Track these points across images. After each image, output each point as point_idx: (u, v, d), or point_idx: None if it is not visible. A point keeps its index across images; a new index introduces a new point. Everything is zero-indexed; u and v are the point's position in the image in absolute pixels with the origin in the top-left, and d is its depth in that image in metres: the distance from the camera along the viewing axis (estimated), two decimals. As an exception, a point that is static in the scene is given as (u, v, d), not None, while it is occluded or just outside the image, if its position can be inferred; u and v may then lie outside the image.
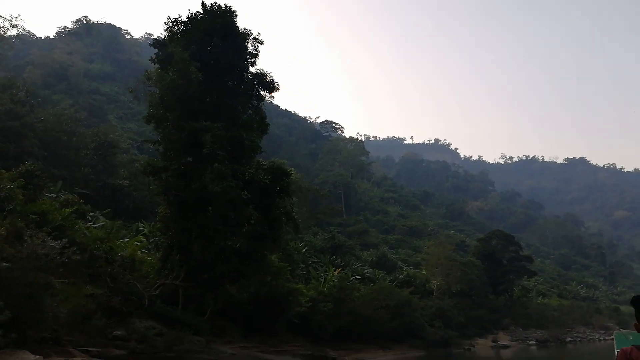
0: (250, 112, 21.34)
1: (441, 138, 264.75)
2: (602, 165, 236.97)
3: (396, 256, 60.68)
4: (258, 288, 21.65)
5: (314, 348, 23.87)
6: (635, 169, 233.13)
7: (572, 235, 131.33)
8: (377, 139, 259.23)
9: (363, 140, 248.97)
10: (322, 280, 34.21)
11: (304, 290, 25.62)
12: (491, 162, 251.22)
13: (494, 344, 42.83)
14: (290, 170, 19.97)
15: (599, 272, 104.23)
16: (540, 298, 57.23)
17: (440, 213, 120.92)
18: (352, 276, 42.03)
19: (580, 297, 64.94)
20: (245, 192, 18.15)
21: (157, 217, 18.83)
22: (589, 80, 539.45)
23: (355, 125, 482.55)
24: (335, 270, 43.13)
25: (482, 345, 42.48)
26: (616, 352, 3.44)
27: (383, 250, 58.09)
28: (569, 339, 45.76)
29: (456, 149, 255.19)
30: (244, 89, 20.61)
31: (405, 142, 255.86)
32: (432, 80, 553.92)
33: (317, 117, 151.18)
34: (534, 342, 44.18)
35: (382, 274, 46.23)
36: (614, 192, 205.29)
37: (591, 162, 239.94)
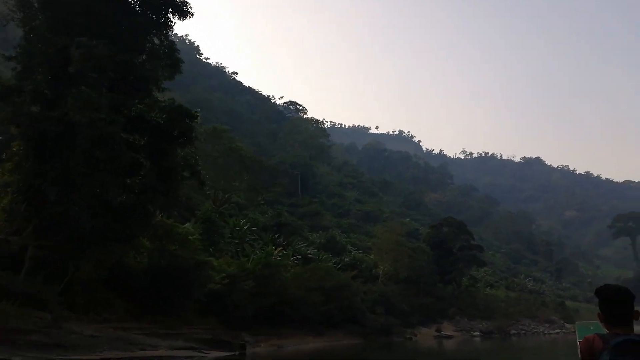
0: (156, 40, 17.03)
1: (405, 130, 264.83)
2: (556, 166, 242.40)
3: (346, 239, 57.65)
4: (158, 257, 17.71)
5: (226, 332, 20.18)
6: (587, 172, 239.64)
7: (523, 231, 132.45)
8: (343, 126, 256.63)
9: (328, 126, 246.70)
10: (254, 257, 30.52)
11: (220, 265, 21.76)
12: (452, 156, 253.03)
13: (438, 334, 40.42)
14: (196, 113, 16.20)
15: (547, 267, 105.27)
16: (488, 289, 55.52)
17: (398, 202, 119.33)
18: (293, 256, 38.65)
19: (527, 290, 63.93)
20: (138, 137, 14.09)
21: (5, 153, 14.44)
22: (549, 84, 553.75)
23: (322, 111, 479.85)
24: (275, 249, 39.66)
25: (425, 334, 39.99)
26: (578, 342, 2.77)
27: (332, 232, 54.89)
28: (513, 331, 43.93)
29: (419, 141, 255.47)
30: (146, 8, 16.27)
31: (370, 131, 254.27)
32: (401, 73, 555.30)
33: (281, 97, 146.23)
34: (478, 333, 42.07)
35: (325, 256, 42.94)
36: (565, 193, 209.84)
37: (546, 162, 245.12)
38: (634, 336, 2.46)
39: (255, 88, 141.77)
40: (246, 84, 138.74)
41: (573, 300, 78.45)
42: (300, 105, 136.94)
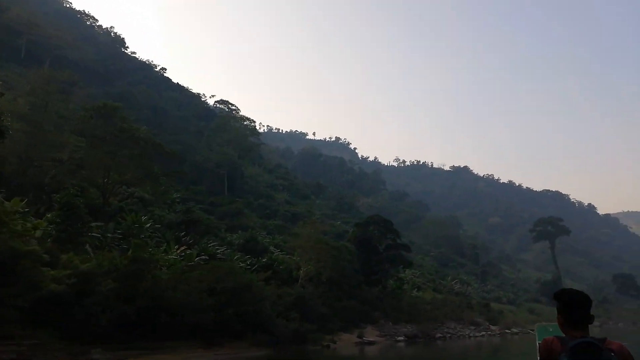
0: None
1: (342, 137, 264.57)
2: (482, 175, 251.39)
3: (268, 240, 52.89)
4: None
5: (66, 347, 14.82)
6: (510, 181, 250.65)
7: (451, 235, 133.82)
8: (280, 131, 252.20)
9: (265, 130, 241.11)
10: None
11: (71, 259, 16.35)
12: (386, 164, 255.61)
13: (359, 340, 36.54)
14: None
15: (473, 270, 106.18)
16: (415, 291, 52.81)
17: (331, 205, 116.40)
18: (198, 256, 33.41)
19: (454, 292, 62.19)
20: None
21: None
22: (478, 97, 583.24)
23: (258, 115, 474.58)
24: (178, 248, 34.29)
25: (346, 341, 35.97)
26: (537, 344, 2.90)
27: (252, 232, 49.91)
28: (439, 334, 41.05)
29: (355, 148, 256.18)
30: None
31: (307, 137, 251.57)
32: (340, 82, 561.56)
33: (213, 96, 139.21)
34: (402, 338, 38.69)
35: (238, 256, 37.95)
36: (490, 200, 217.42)
37: (473, 171, 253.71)
38: (590, 338, 2.50)
39: (186, 85, 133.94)
40: (176, 81, 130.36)
41: (497, 302, 78.40)
42: (232, 104, 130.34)
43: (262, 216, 73.46)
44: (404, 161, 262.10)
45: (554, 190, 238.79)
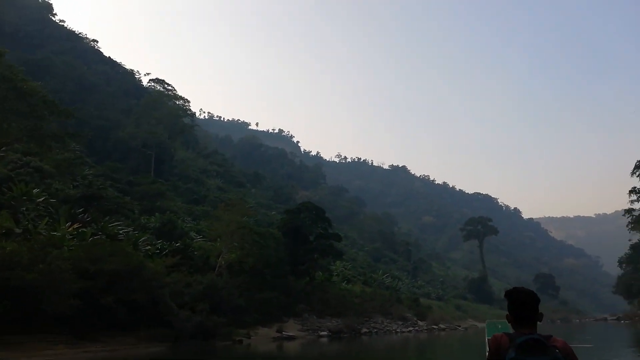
0: None
1: (285, 129, 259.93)
2: (418, 175, 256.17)
3: (189, 226, 47.96)
4: None
5: None
6: (444, 182, 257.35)
7: (386, 231, 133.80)
8: (222, 119, 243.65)
9: (205, 117, 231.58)
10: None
11: None
12: (328, 159, 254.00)
13: (278, 335, 32.86)
14: None
15: (404, 266, 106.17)
16: (344, 284, 49.89)
17: (268, 195, 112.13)
18: (95, 235, 28.18)
19: (384, 287, 60.09)
20: None
21: None
22: (416, 102, 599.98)
23: (200, 102, 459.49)
24: (71, 225, 28.88)
25: (263, 336, 32.17)
26: (487, 339, 3.57)
27: (171, 216, 44.76)
28: (365, 329, 38.22)
29: (298, 142, 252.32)
30: None
31: (249, 127, 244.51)
32: (290, 75, 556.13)
33: (147, 74, 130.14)
34: (326, 333, 35.44)
35: (145, 238, 32.97)
36: (425, 200, 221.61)
37: (411, 171, 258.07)
38: (537, 335, 2.57)
39: (119, 61, 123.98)
40: (108, 54, 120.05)
41: (426, 297, 77.83)
42: (168, 84, 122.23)
43: (189, 201, 67.97)
44: (345, 157, 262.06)
45: (484, 193, 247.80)
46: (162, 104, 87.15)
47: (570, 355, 2.57)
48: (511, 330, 2.76)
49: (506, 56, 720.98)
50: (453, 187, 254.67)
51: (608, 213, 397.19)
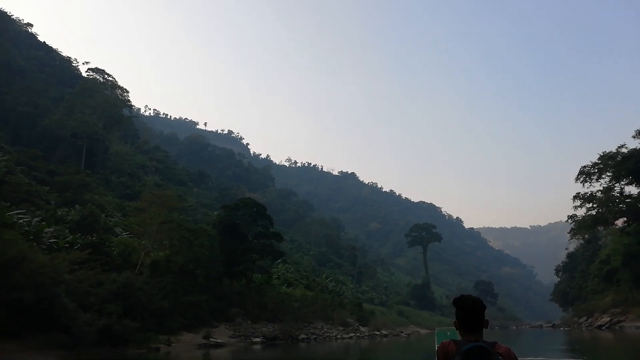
0: None
1: (235, 130, 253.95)
2: (367, 183, 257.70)
3: (114, 220, 43.29)
4: None
5: None
6: (391, 190, 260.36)
7: (332, 235, 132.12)
8: (168, 117, 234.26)
9: (151, 114, 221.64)
10: None
11: None
12: (277, 163, 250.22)
13: (205, 342, 29.29)
14: None
15: (350, 271, 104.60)
16: (285, 287, 46.81)
17: (212, 195, 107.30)
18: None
19: (327, 291, 57.53)
20: None
21: None
22: (368, 110, 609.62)
23: (146, 98, 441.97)
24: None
25: (187, 342, 28.50)
26: (436, 347, 3.14)
27: (92, 208, 39.94)
28: (303, 336, 35.28)
29: (247, 144, 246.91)
30: None
31: (197, 126, 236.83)
32: (242, 75, 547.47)
33: (86, 62, 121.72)
34: (259, 339, 32.21)
35: (52, 229, 28.49)
36: (372, 207, 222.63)
37: (359, 178, 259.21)
38: (482, 342, 2.61)
39: (55, 47, 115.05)
40: (43, 39, 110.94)
41: (370, 302, 76.22)
42: (109, 75, 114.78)
43: (121, 196, 62.57)
44: (295, 162, 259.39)
45: (428, 202, 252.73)
46: (98, 92, 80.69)
47: None
48: (459, 337, 2.75)
49: (458, 66, 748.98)
50: (399, 195, 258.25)
51: (542, 225, 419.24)
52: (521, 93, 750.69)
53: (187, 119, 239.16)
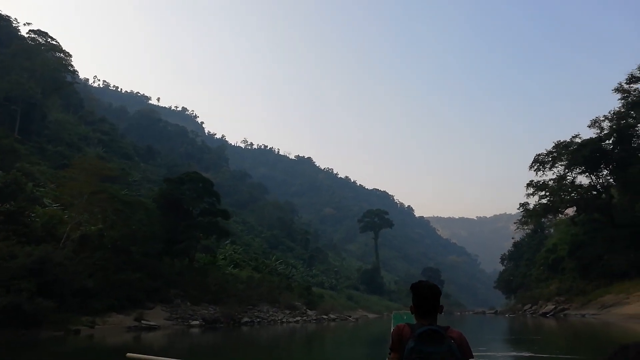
0: None
1: (189, 108, 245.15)
2: (323, 168, 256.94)
3: (42, 190, 39.16)
4: None
5: None
6: (346, 176, 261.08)
7: (285, 219, 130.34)
8: (119, 89, 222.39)
9: (100, 85, 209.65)
10: None
11: None
12: (233, 143, 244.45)
13: (137, 324, 26.61)
14: None
15: (301, 255, 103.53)
16: (231, 268, 44.42)
17: (160, 172, 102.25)
18: None
19: (276, 273, 55.63)
20: None
21: None
22: (329, 95, 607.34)
23: (94, 67, 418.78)
24: None
25: (115, 324, 25.72)
26: (392, 329, 3.12)
27: (16, 175, 35.68)
28: (246, 319, 33.17)
29: (202, 122, 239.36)
30: None
31: (149, 101, 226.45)
32: (200, 50, 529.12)
33: (28, 24, 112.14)
34: (198, 323, 29.84)
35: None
36: (327, 192, 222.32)
37: (316, 163, 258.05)
38: (435, 326, 2.67)
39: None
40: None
41: (320, 286, 75.24)
42: (53, 38, 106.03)
43: (57, 166, 57.46)
44: (251, 144, 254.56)
45: (382, 190, 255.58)
46: (37, 55, 73.88)
47: (464, 346, 2.63)
48: (414, 321, 2.82)
49: (425, 59, 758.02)
50: (354, 182, 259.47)
51: (487, 216, 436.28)
52: (472, 91, 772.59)
53: (139, 93, 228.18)
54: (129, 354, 4.28)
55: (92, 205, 30.69)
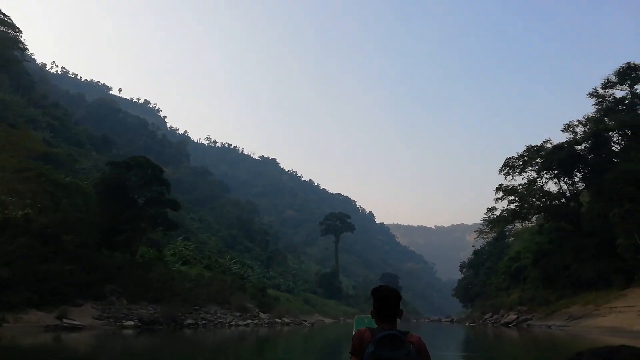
0: None
1: (152, 101, 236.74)
2: (287, 170, 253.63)
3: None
4: None
5: None
6: (310, 179, 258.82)
7: (246, 218, 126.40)
8: (79, 77, 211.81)
9: (59, 72, 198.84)
10: None
11: None
12: (196, 140, 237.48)
13: (58, 323, 22.90)
14: None
15: (259, 256, 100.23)
16: (179, 264, 40.79)
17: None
18: None
19: (230, 273, 52.20)
20: None
21: None
22: (298, 100, 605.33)
23: (55, 53, 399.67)
24: None
25: (32, 323, 21.96)
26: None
27: None
28: (189, 321, 29.79)
29: (165, 117, 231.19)
30: None
31: (111, 91, 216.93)
32: (165, 44, 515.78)
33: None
34: (133, 323, 26.31)
35: None
36: (289, 194, 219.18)
37: (280, 164, 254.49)
38: (395, 331, 2.65)
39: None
40: None
41: (276, 289, 72.19)
42: (5, 15, 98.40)
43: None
44: (215, 141, 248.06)
45: (345, 195, 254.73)
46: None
47: (422, 351, 2.64)
48: (376, 325, 2.82)
49: (377, 68, 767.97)
50: (318, 185, 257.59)
51: (445, 226, 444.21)
52: (436, 98, 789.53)
53: (99, 82, 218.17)
54: None
55: (18, 185, 26.70)
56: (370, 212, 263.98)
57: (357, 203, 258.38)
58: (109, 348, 20.70)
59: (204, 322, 30.72)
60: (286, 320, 42.52)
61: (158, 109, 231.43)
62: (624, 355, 0.94)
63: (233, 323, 32.63)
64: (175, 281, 34.03)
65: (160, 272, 33.59)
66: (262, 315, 38.83)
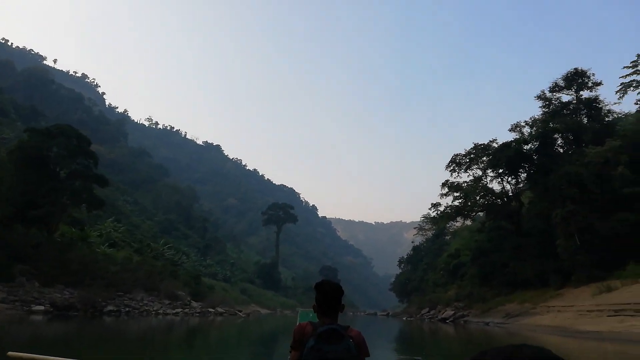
0: None
1: (92, 77, 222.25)
2: (231, 158, 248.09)
3: None
4: None
5: None
6: (254, 169, 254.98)
7: (184, 204, 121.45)
8: (9, 43, 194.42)
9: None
10: None
11: None
12: (136, 120, 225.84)
13: (-52, 306, 19.56)
14: None
15: (197, 243, 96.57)
16: (105, 247, 37.39)
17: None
18: None
19: (163, 259, 49.07)
20: None
21: None
22: (244, 80, 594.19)
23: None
24: None
25: None
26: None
27: None
28: (111, 307, 27.00)
29: (103, 93, 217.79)
30: None
31: (45, 61, 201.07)
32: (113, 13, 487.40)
33: None
34: (44, 308, 23.28)
35: None
36: (233, 183, 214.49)
37: (224, 151, 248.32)
38: (336, 325, 2.71)
39: None
40: None
41: (212, 277, 69.43)
42: None
43: None
44: (156, 122, 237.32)
45: (289, 186, 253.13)
46: None
47: (361, 345, 2.68)
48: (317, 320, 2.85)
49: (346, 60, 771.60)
50: (262, 176, 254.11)
51: (385, 222, 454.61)
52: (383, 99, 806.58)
53: (32, 50, 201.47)
54: (10, 353, 3.91)
55: None
56: (313, 205, 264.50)
57: (300, 195, 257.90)
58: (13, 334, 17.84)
59: (127, 309, 27.99)
60: (220, 310, 40.33)
61: (97, 84, 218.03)
62: (525, 354, 0.97)
63: (161, 311, 30.07)
64: (99, 264, 30.93)
65: (82, 253, 30.35)
66: (194, 304, 36.40)
